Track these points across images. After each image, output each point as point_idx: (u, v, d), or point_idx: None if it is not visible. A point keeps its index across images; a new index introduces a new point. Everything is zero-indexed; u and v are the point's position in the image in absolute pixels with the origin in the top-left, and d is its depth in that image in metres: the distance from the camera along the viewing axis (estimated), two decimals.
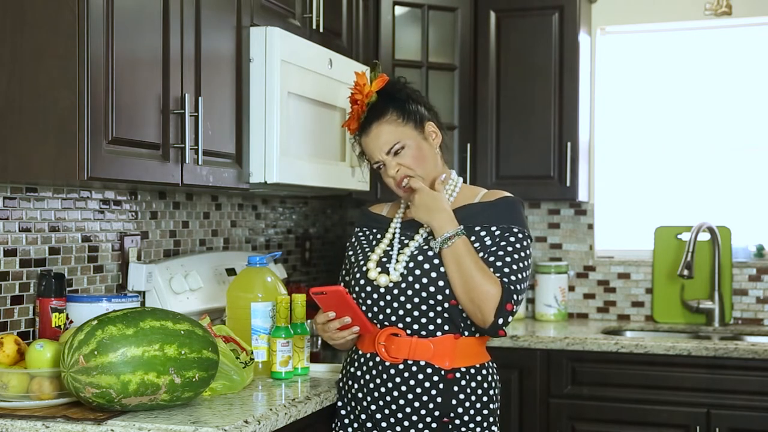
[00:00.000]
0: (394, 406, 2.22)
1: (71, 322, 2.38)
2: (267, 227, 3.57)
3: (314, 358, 2.74)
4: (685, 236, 3.86)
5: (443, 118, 3.83)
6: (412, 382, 2.21)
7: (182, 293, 2.76)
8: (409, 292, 2.21)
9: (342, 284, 2.37)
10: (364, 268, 2.28)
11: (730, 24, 3.97)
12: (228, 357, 2.25)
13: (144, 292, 2.69)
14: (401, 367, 2.22)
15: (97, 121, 2.03)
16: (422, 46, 3.79)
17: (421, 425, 2.21)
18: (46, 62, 2.02)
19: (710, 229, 3.82)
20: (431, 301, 2.20)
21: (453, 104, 3.87)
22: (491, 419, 2.26)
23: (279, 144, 2.63)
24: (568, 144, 3.79)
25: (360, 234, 2.41)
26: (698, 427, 3.31)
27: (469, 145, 3.87)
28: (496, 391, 2.29)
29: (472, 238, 2.23)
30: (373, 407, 2.25)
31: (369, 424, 2.26)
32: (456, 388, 2.21)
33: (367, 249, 2.34)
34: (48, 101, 2.02)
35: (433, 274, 2.20)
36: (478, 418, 2.23)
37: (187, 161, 2.33)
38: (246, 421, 1.97)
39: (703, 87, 4.03)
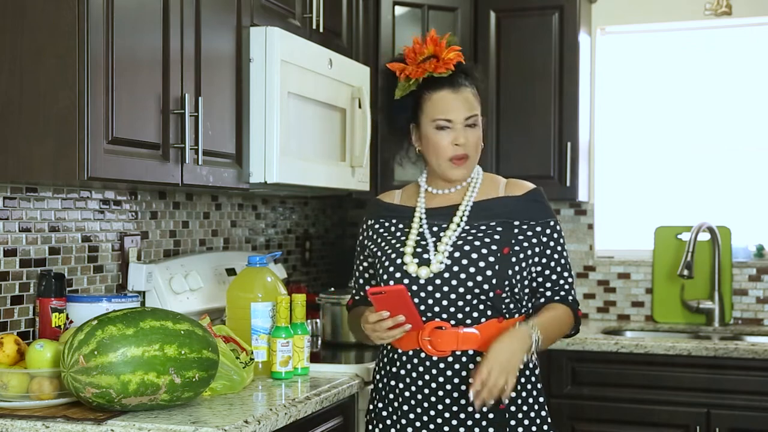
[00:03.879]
0: (448, 400, 2.18)
1: (71, 322, 2.38)
2: (267, 227, 3.57)
3: (314, 358, 2.74)
4: (685, 236, 3.86)
5: None
6: (464, 374, 2.17)
7: (182, 293, 2.76)
8: (454, 282, 2.16)
9: (361, 281, 2.36)
10: (399, 261, 2.20)
11: (730, 24, 3.97)
12: (228, 357, 2.25)
13: (144, 292, 2.69)
14: (450, 359, 2.18)
15: (97, 121, 2.03)
16: None
17: (478, 415, 2.18)
18: (46, 62, 2.02)
19: (710, 229, 3.82)
20: (477, 290, 2.16)
21: None
22: (541, 399, 2.25)
23: (279, 144, 2.63)
24: (568, 144, 3.79)
25: (377, 226, 2.32)
26: (698, 427, 3.31)
27: None
28: (538, 370, 2.28)
29: (515, 231, 2.22)
30: (425, 404, 2.19)
31: (418, 423, 2.21)
32: (524, 379, 2.21)
33: (394, 241, 2.25)
34: (48, 101, 2.02)
35: (481, 263, 2.16)
36: (530, 400, 2.22)
37: (187, 161, 2.33)
38: (246, 421, 1.97)
39: (703, 87, 4.03)
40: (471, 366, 2.17)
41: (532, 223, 2.25)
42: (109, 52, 2.07)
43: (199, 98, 2.36)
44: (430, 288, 2.18)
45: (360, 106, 3.11)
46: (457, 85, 2.25)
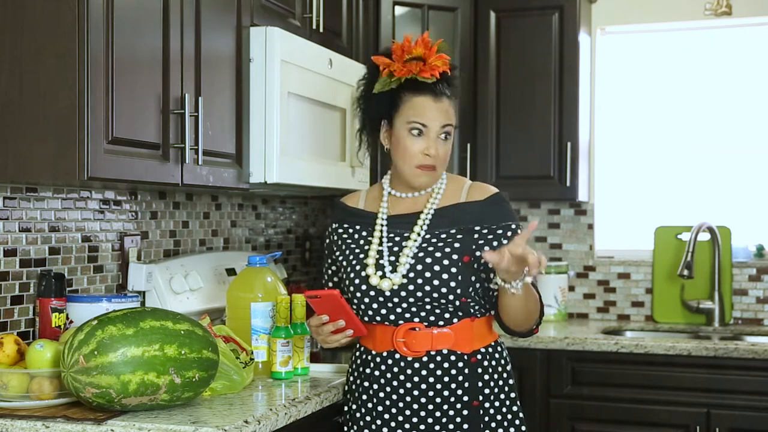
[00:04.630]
0: (423, 399, 2.20)
1: (71, 322, 2.38)
2: (267, 227, 3.57)
3: (314, 358, 2.73)
4: (685, 236, 3.86)
5: None
6: (438, 373, 2.20)
7: (182, 293, 2.76)
8: (419, 294, 2.19)
9: (330, 284, 2.37)
10: (363, 273, 2.22)
11: (731, 24, 3.97)
12: (228, 357, 2.25)
13: (144, 292, 2.69)
14: (425, 359, 2.20)
15: (97, 121, 2.03)
16: None
17: (452, 413, 2.20)
18: (46, 62, 2.02)
19: (710, 229, 3.82)
20: (442, 300, 2.19)
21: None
22: (512, 395, 2.28)
23: (279, 144, 2.63)
24: (568, 144, 3.79)
25: (341, 231, 2.34)
26: (698, 427, 3.31)
27: (469, 145, 3.87)
28: (510, 366, 2.31)
29: (475, 236, 2.22)
30: (400, 404, 2.22)
31: (393, 423, 2.23)
32: (480, 370, 2.22)
33: (356, 249, 2.27)
34: (48, 101, 2.02)
35: (444, 275, 2.17)
36: (502, 396, 2.25)
37: (187, 161, 2.33)
38: (246, 421, 1.97)
39: (703, 87, 4.03)
40: (445, 365, 2.20)
41: (493, 227, 2.24)
42: (109, 52, 2.07)
43: (199, 98, 2.36)
44: (396, 299, 2.21)
45: None
46: (439, 93, 2.22)
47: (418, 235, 2.23)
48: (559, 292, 3.99)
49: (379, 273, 2.21)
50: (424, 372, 2.21)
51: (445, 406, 2.20)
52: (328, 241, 2.39)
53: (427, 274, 2.18)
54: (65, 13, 2.00)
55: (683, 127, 4.05)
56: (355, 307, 2.26)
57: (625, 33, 4.13)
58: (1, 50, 2.06)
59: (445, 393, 2.20)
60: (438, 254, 2.19)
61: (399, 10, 3.71)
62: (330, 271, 2.40)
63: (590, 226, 4.13)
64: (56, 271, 2.42)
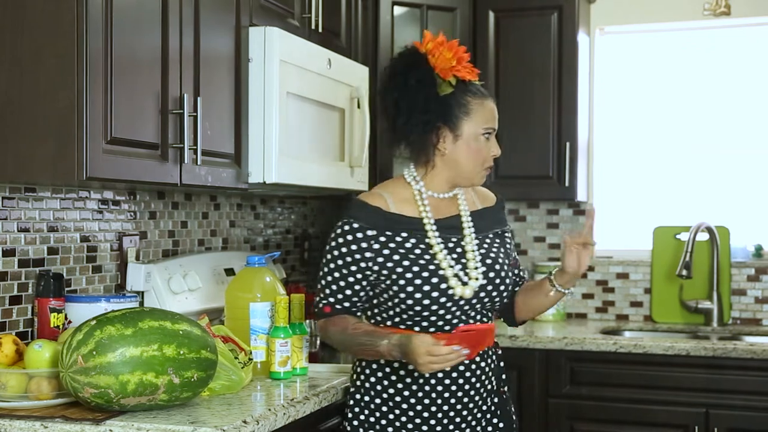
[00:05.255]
0: (471, 390, 2.25)
1: (70, 322, 2.38)
2: (266, 227, 3.57)
3: (313, 358, 2.73)
4: (684, 236, 3.86)
5: None
6: (482, 365, 2.27)
7: (181, 293, 2.76)
8: (489, 297, 2.24)
9: (347, 292, 2.21)
10: (443, 285, 2.16)
11: (729, 24, 3.98)
12: (226, 357, 2.25)
13: (143, 293, 2.69)
14: (477, 357, 2.27)
15: (95, 121, 2.03)
16: None
17: (489, 401, 2.31)
18: (46, 62, 2.02)
19: (709, 229, 3.82)
20: (503, 301, 2.31)
21: None
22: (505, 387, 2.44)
23: (278, 144, 2.63)
24: (567, 144, 3.80)
25: (383, 239, 2.18)
26: (697, 427, 3.31)
27: None
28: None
29: (505, 239, 2.38)
30: (445, 408, 2.23)
31: (426, 428, 2.23)
32: (502, 363, 2.37)
33: (419, 260, 2.17)
34: (47, 101, 2.02)
35: (504, 275, 2.28)
36: (505, 388, 2.40)
37: (185, 161, 2.32)
38: (245, 421, 1.97)
39: (702, 87, 4.03)
40: (488, 359, 2.30)
41: (504, 229, 2.40)
42: (108, 52, 2.07)
43: (198, 98, 2.36)
44: (467, 306, 2.22)
45: (359, 106, 3.11)
46: (492, 97, 2.33)
47: (471, 238, 2.25)
48: None
49: (458, 282, 2.19)
50: (473, 366, 2.26)
51: (484, 395, 2.29)
52: (354, 247, 2.19)
53: (496, 279, 2.25)
54: (64, 13, 2.00)
55: (682, 127, 4.06)
56: (435, 318, 2.19)
57: (624, 33, 4.13)
58: (1, 50, 2.06)
59: (486, 384, 2.29)
60: (496, 257, 2.28)
61: (398, 10, 3.71)
62: (352, 279, 2.20)
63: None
64: (55, 271, 2.42)
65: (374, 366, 2.27)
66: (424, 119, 2.20)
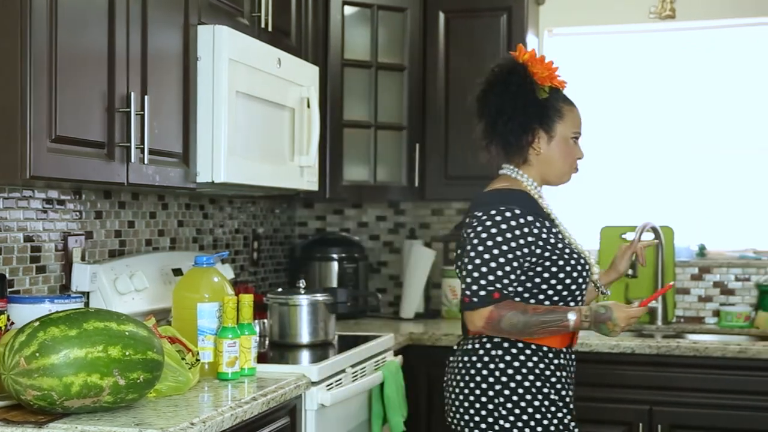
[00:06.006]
0: (573, 385, 2.53)
1: (12, 323, 2.33)
2: (215, 227, 3.55)
3: (261, 358, 2.72)
4: (630, 236, 3.92)
5: (392, 118, 3.88)
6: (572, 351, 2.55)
7: (127, 294, 2.73)
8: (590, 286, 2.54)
9: (512, 277, 2.34)
10: (588, 268, 2.45)
11: (675, 27, 4.04)
12: (173, 358, 2.24)
13: (88, 293, 2.66)
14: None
15: (39, 119, 2.00)
16: (371, 46, 3.80)
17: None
18: None
19: (654, 229, 3.88)
20: None
21: (402, 104, 3.88)
22: None
23: (227, 143, 2.61)
24: None
25: (538, 224, 2.41)
26: (641, 425, 3.36)
27: (417, 145, 3.88)
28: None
29: None
30: (564, 393, 2.48)
31: (564, 407, 2.47)
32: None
33: (564, 247, 2.42)
34: None
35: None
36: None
37: (132, 160, 2.30)
38: (191, 423, 1.96)
39: (648, 88, 4.09)
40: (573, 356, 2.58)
41: None
42: (52, 49, 2.04)
43: (146, 96, 2.33)
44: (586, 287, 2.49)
45: (309, 106, 3.11)
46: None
47: (565, 228, 2.52)
48: None
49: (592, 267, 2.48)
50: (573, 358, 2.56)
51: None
52: (521, 231, 2.35)
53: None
54: (8, 9, 1.97)
55: (628, 128, 4.12)
56: (571, 298, 2.44)
57: (572, 35, 4.18)
58: None
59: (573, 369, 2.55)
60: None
61: (348, 9, 3.71)
62: (518, 263, 2.34)
63: None
64: None
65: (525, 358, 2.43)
66: (523, 120, 2.45)
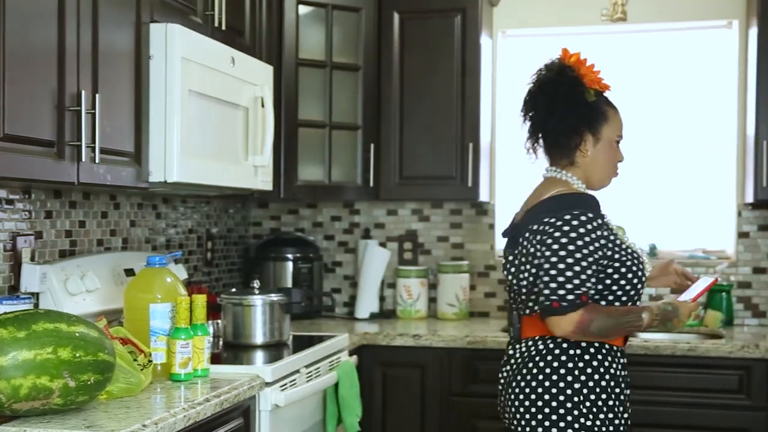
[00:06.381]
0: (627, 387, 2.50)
1: None
2: (168, 227, 3.52)
3: (215, 359, 2.71)
4: None
5: (347, 118, 3.88)
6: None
7: (78, 294, 2.69)
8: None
9: (593, 280, 2.34)
10: (643, 267, 2.44)
11: (626, 30, 4.10)
12: (125, 359, 2.21)
13: (38, 294, 2.62)
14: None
15: None
16: (326, 46, 3.80)
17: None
18: None
19: None
20: None
21: (357, 104, 3.88)
22: None
23: (179, 143, 2.59)
24: (470, 145, 3.85)
25: (605, 226, 2.43)
26: None
27: (372, 146, 3.89)
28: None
29: None
30: (627, 392, 2.47)
31: (623, 410, 2.45)
32: None
33: (627, 247, 2.43)
34: None
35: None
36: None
37: (83, 159, 2.27)
38: (143, 425, 1.94)
39: None
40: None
41: None
42: (0, 46, 2.00)
43: (97, 95, 2.30)
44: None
45: (263, 105, 3.09)
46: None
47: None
48: (460, 291, 4.04)
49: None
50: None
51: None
52: (598, 234, 2.36)
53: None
54: None
55: None
56: (628, 298, 2.43)
57: (526, 36, 4.22)
58: None
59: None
60: None
61: (303, 9, 3.71)
62: (596, 266, 2.35)
63: (491, 226, 4.20)
64: None
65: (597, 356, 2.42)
66: (573, 122, 2.46)
